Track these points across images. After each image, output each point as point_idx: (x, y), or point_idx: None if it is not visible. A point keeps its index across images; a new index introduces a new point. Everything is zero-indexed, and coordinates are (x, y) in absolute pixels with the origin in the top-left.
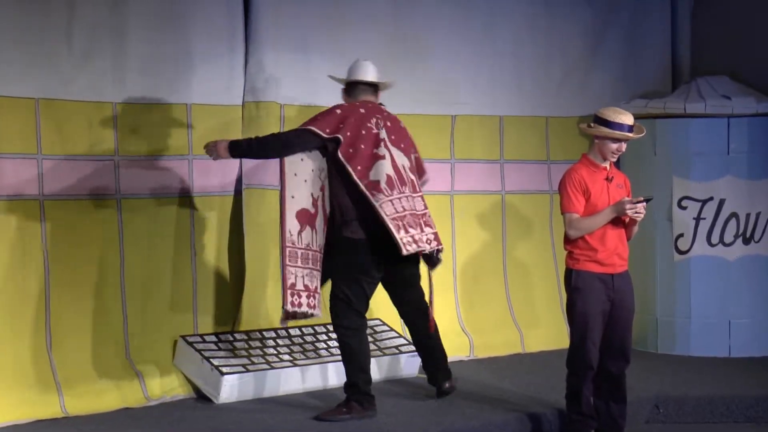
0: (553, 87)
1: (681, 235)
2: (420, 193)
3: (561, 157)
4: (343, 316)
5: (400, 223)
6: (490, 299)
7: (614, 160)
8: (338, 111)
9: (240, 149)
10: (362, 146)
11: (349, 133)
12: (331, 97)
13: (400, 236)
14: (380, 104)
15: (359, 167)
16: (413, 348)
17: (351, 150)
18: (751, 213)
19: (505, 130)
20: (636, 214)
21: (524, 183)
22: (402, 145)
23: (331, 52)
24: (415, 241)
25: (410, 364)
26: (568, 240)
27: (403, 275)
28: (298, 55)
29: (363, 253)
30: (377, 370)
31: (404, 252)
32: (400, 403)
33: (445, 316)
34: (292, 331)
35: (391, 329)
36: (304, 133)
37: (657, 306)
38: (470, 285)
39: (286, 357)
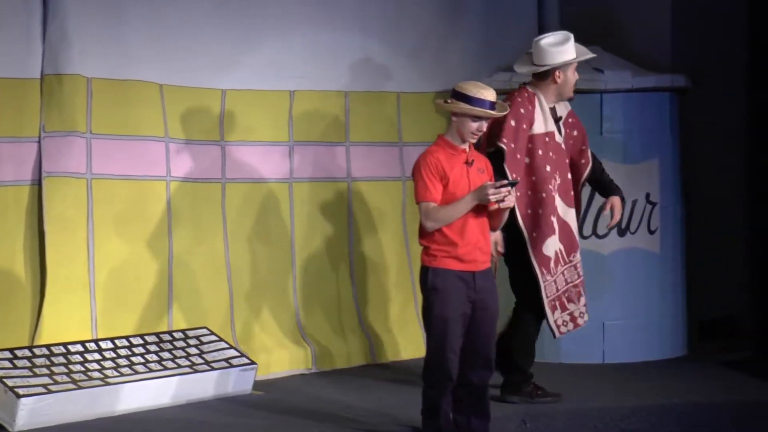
0: (404, 58)
1: None
2: None
3: (414, 139)
4: None
5: None
6: (334, 302)
7: (474, 141)
8: None
9: None
10: None
11: None
12: (149, 70)
13: None
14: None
15: None
16: (246, 361)
17: None
18: (627, 201)
19: (351, 108)
20: (504, 203)
21: (373, 168)
22: None
23: (149, 20)
24: None
25: (242, 379)
26: (423, 233)
27: None
28: (110, 22)
29: None
30: (205, 386)
31: None
32: (233, 424)
33: (282, 323)
34: (103, 344)
35: (221, 339)
36: None
37: None
38: (312, 286)
39: (97, 375)
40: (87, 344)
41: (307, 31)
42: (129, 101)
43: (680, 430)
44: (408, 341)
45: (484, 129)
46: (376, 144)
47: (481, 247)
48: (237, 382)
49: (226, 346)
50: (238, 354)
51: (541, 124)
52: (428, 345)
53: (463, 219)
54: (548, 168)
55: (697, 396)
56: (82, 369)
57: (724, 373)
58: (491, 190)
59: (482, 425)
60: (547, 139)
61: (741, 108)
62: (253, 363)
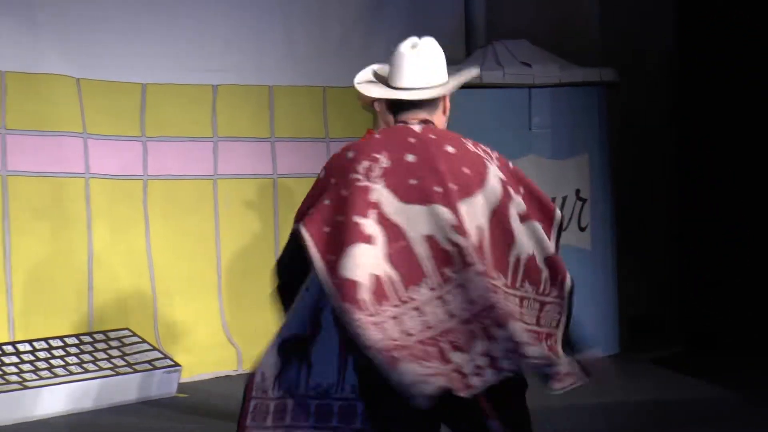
0: (330, 52)
1: None
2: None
3: (341, 134)
4: None
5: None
6: (261, 302)
7: None
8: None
9: None
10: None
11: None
12: (65, 63)
13: None
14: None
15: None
16: (170, 363)
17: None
18: (557, 197)
19: (276, 102)
20: None
21: (299, 164)
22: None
23: (60, 12)
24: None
25: (166, 382)
26: None
27: None
28: (19, 15)
29: None
30: (127, 389)
31: None
32: (156, 427)
33: (207, 324)
34: (21, 347)
35: (144, 341)
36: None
37: None
38: (238, 286)
39: (15, 378)
40: (4, 347)
41: (230, 24)
42: (44, 95)
43: (610, 429)
44: None
45: None
46: (302, 139)
47: None
48: (161, 385)
49: (149, 347)
50: (161, 356)
51: None
52: None
53: None
54: None
55: (629, 394)
56: (0, 372)
57: (654, 371)
58: None
59: None
60: None
61: (669, 101)
62: (177, 365)
